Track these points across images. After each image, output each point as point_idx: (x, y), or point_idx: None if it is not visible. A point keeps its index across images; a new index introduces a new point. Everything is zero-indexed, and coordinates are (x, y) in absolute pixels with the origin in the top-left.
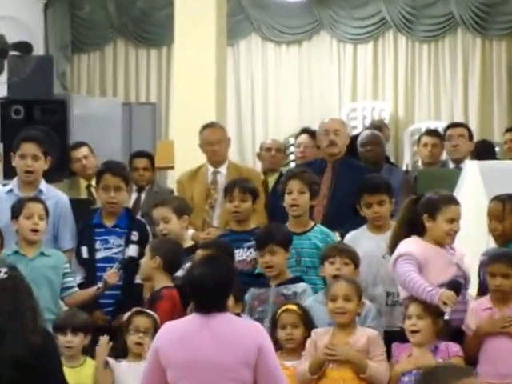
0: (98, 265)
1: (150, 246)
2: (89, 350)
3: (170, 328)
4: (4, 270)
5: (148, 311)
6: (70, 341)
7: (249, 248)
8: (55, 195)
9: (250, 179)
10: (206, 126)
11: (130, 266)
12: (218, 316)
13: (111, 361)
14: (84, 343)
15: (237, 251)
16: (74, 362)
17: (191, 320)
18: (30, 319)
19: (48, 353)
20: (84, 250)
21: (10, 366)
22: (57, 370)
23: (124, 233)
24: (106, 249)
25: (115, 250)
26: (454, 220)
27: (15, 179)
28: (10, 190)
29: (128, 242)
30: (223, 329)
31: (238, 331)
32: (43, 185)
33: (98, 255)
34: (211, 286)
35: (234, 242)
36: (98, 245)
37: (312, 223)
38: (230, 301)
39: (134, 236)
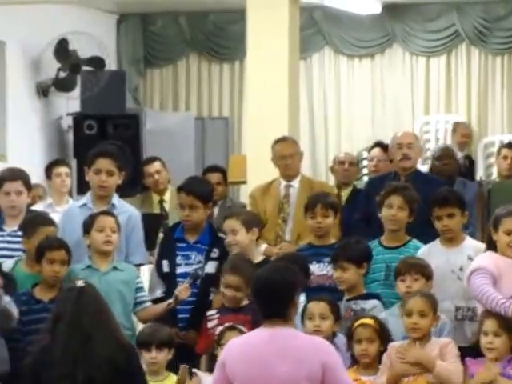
0: (178, 279)
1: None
2: (172, 365)
3: (236, 342)
4: (81, 281)
5: (240, 327)
6: (155, 357)
7: (329, 263)
8: (127, 210)
9: (331, 194)
10: (278, 141)
11: (207, 283)
12: (283, 330)
13: (200, 373)
14: (168, 358)
15: (317, 265)
16: (158, 376)
17: (257, 334)
18: (115, 322)
19: (134, 358)
20: (165, 264)
21: (102, 366)
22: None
23: (205, 249)
24: (186, 264)
25: (195, 266)
26: (510, 232)
27: (88, 194)
28: (84, 205)
29: (208, 258)
30: (289, 343)
31: (303, 346)
32: (116, 199)
33: (179, 270)
34: (273, 291)
35: (314, 256)
36: (179, 259)
37: (407, 238)
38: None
39: (215, 253)
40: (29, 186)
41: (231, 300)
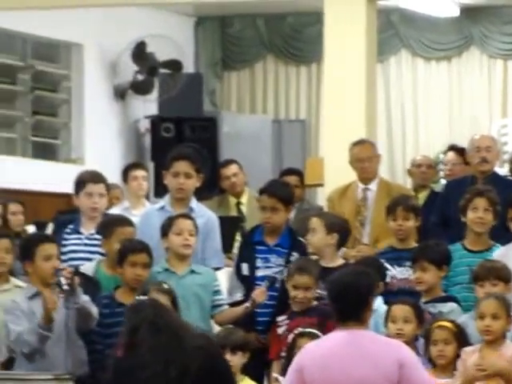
0: (258, 283)
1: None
2: (247, 369)
3: (314, 346)
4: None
5: (312, 331)
6: (230, 360)
7: (410, 267)
8: (205, 214)
9: (412, 197)
10: (356, 143)
11: (284, 286)
12: (359, 333)
13: (280, 378)
14: (242, 362)
15: (398, 269)
16: None
17: (334, 337)
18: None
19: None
20: (244, 267)
21: (194, 354)
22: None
23: (285, 253)
24: (266, 267)
25: (275, 270)
26: None
27: (167, 196)
28: (162, 208)
29: (288, 262)
30: (365, 346)
31: (380, 348)
32: (194, 203)
33: (258, 273)
34: (350, 295)
35: (396, 259)
36: (258, 262)
37: (491, 243)
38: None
39: (294, 257)
40: (108, 189)
41: (301, 302)
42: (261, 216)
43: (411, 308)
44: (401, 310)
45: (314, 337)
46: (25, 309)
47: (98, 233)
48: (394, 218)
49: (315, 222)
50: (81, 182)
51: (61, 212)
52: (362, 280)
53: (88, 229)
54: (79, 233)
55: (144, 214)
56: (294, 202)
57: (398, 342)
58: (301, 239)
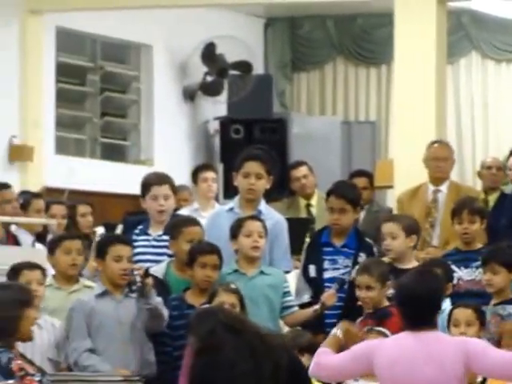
0: (325, 284)
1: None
2: None
3: (384, 346)
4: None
5: (380, 329)
6: None
7: (477, 268)
8: (273, 216)
9: (477, 199)
10: (435, 142)
11: (355, 288)
12: (428, 334)
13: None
14: (309, 364)
15: (465, 270)
16: None
17: (404, 337)
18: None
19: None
20: (312, 269)
21: (282, 352)
22: None
23: (352, 254)
24: (333, 269)
25: (342, 271)
26: None
27: (236, 198)
28: (231, 209)
29: (355, 263)
30: (434, 347)
31: (448, 348)
32: (263, 205)
33: (326, 275)
34: (418, 299)
35: (462, 261)
36: (326, 264)
37: None
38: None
39: (361, 258)
40: (175, 190)
41: (365, 302)
42: (328, 217)
43: (473, 311)
44: (463, 313)
45: (381, 334)
46: (89, 307)
47: (166, 234)
48: (459, 221)
49: (392, 227)
50: (146, 185)
51: (129, 213)
52: (430, 284)
53: (156, 230)
54: (147, 234)
55: (212, 215)
56: (363, 204)
57: (463, 338)
58: (368, 240)
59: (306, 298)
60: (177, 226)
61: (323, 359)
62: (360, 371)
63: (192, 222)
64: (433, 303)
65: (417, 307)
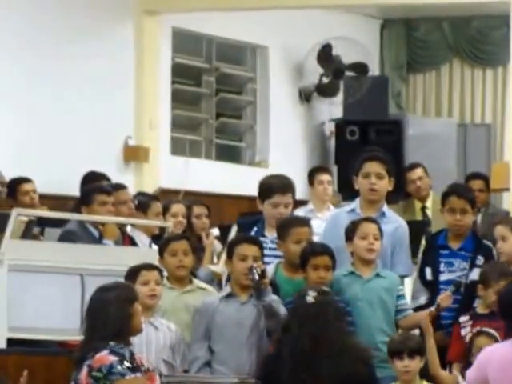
0: (441, 287)
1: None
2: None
3: (492, 353)
4: (313, 293)
5: (491, 331)
6: (407, 365)
7: None
8: (396, 220)
9: None
10: None
11: (472, 290)
12: None
13: (461, 379)
14: (420, 366)
15: None
16: None
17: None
18: (341, 342)
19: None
20: (428, 271)
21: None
22: None
23: (469, 256)
24: (450, 271)
25: (459, 274)
26: None
27: (357, 199)
28: (352, 210)
29: (472, 265)
30: None
31: None
32: (385, 208)
33: (442, 277)
34: None
35: None
36: (442, 267)
37: None
38: None
39: (479, 260)
40: (295, 196)
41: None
42: (449, 218)
43: None
44: None
45: (491, 337)
46: (213, 309)
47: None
48: None
49: (502, 230)
50: (268, 191)
51: (241, 214)
52: None
53: (272, 232)
54: (263, 236)
55: (333, 215)
56: (480, 207)
57: None
58: (487, 243)
59: (423, 299)
60: (284, 226)
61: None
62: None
63: (299, 222)
64: None
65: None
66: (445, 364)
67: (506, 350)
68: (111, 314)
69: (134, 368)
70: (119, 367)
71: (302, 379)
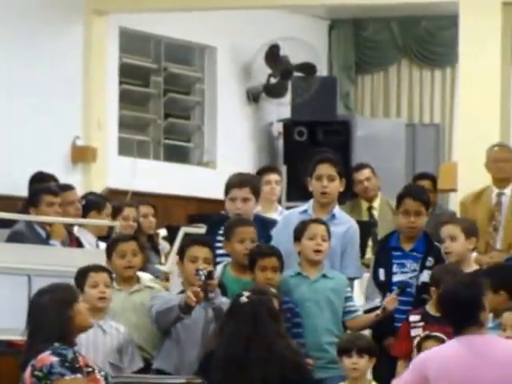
0: (394, 288)
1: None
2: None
3: (435, 355)
4: (247, 293)
5: (439, 335)
6: (356, 362)
7: None
8: (347, 222)
9: None
10: (495, 145)
11: (422, 292)
12: (480, 338)
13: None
14: (369, 365)
15: None
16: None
17: (456, 344)
18: (272, 345)
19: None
20: (381, 272)
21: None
22: None
23: (420, 257)
24: (402, 273)
25: (410, 275)
26: None
27: (311, 201)
28: (304, 211)
29: (423, 267)
30: (490, 349)
31: (505, 349)
32: (337, 210)
33: (395, 278)
34: (459, 308)
35: None
36: (394, 268)
37: None
38: None
39: (429, 262)
40: (257, 191)
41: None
42: (402, 220)
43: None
44: (509, 317)
45: (439, 341)
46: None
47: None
48: None
49: (452, 229)
50: (227, 186)
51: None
52: (470, 285)
53: None
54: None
55: (285, 216)
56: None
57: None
58: (437, 244)
59: (377, 301)
60: (229, 226)
61: None
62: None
63: (243, 222)
64: (472, 311)
65: (457, 315)
66: (390, 359)
67: (445, 348)
68: (49, 318)
69: (76, 369)
70: (59, 367)
71: (234, 381)
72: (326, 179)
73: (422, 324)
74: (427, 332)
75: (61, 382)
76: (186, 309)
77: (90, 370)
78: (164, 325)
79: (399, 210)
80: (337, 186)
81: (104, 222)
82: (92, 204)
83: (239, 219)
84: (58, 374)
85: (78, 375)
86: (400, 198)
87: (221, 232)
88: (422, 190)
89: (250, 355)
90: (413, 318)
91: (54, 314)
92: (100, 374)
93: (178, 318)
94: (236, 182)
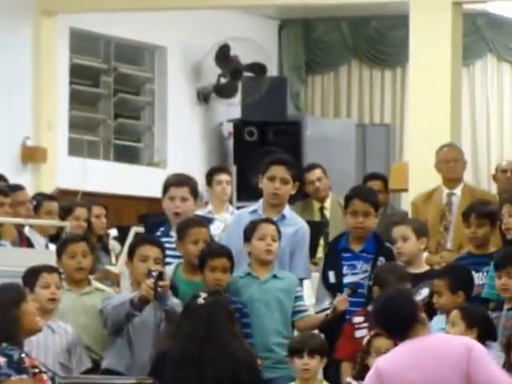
0: (345, 290)
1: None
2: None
3: (385, 362)
4: (204, 295)
5: None
6: (307, 363)
7: (488, 272)
8: (297, 223)
9: (488, 202)
10: (444, 146)
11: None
12: (424, 337)
13: (354, 382)
14: (320, 366)
15: (476, 275)
16: None
17: (400, 350)
18: (229, 343)
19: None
20: (331, 275)
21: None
22: None
23: (371, 258)
24: (353, 274)
25: (362, 276)
26: None
27: (260, 201)
28: (254, 211)
29: (374, 267)
30: (430, 345)
31: (447, 343)
32: (287, 210)
33: (346, 280)
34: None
35: (473, 265)
36: (345, 269)
37: None
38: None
39: (381, 262)
40: (196, 193)
41: None
42: (351, 221)
43: (459, 311)
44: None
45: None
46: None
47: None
48: (467, 225)
49: (404, 230)
50: (165, 185)
51: (140, 216)
52: (403, 300)
53: None
54: (169, 236)
55: (236, 215)
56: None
57: (462, 337)
58: (387, 244)
59: (327, 303)
60: (182, 227)
61: None
62: None
63: (196, 222)
64: (404, 325)
65: (391, 330)
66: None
67: (396, 354)
68: None
69: (22, 369)
70: (6, 368)
71: (187, 380)
72: (279, 181)
73: (366, 325)
74: (375, 331)
75: (7, 382)
76: (139, 305)
77: (37, 370)
78: (117, 322)
79: (347, 210)
80: (289, 190)
81: (54, 222)
82: (37, 205)
83: (192, 220)
84: (5, 374)
85: (24, 376)
86: (348, 199)
87: (159, 233)
88: (370, 191)
89: (204, 355)
90: (356, 319)
91: (0, 315)
92: (47, 375)
93: (130, 315)
94: (175, 181)
